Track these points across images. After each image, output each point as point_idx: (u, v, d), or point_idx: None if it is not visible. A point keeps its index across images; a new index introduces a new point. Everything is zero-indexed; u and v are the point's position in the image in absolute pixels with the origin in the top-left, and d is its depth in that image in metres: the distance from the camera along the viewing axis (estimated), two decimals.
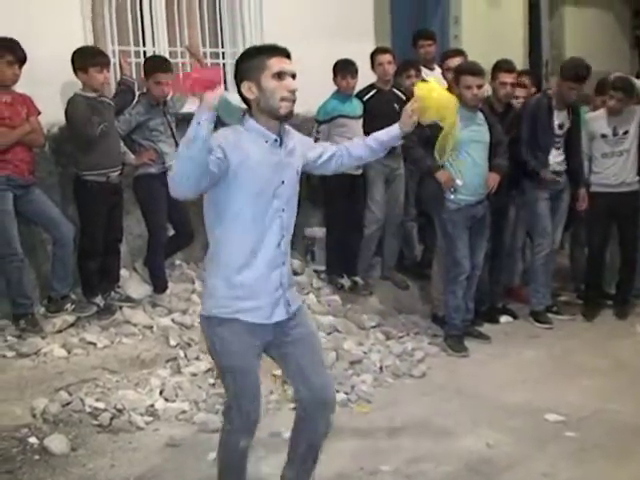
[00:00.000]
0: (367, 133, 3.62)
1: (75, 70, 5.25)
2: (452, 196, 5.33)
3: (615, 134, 6.07)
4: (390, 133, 3.29)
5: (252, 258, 2.94)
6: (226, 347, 2.97)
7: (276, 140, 2.96)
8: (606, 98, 6.09)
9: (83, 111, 5.19)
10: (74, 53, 5.25)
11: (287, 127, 3.05)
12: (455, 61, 6.12)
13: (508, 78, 5.77)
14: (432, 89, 3.30)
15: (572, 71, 5.81)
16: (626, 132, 6.06)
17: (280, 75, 2.88)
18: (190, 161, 2.64)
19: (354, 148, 3.33)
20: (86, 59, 5.23)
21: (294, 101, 2.93)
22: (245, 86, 2.93)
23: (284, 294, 3.02)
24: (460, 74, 5.33)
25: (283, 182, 2.97)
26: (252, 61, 2.92)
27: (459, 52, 6.58)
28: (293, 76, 2.93)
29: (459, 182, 5.29)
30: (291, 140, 3.05)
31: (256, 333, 2.97)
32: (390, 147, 3.41)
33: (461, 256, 5.40)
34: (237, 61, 3.00)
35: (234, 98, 5.82)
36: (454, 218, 5.38)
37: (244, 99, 2.98)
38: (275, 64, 2.89)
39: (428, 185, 5.52)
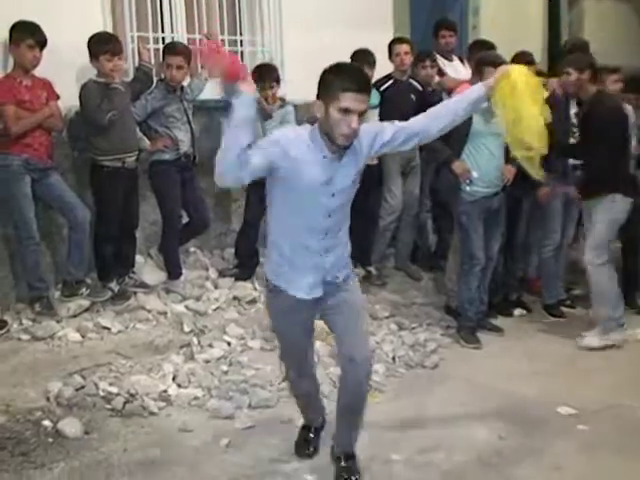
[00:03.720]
0: None
1: (90, 57, 5.27)
2: (468, 188, 5.31)
3: None
4: (478, 96, 3.32)
5: (288, 249, 3.18)
6: (273, 311, 3.41)
7: (334, 153, 3.03)
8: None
9: (94, 98, 5.21)
10: (89, 40, 5.25)
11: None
12: None
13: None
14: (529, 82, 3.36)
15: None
16: None
17: (346, 111, 2.92)
18: (232, 136, 2.79)
19: (437, 122, 3.29)
20: (96, 47, 5.23)
21: (354, 136, 2.99)
22: (317, 103, 3.00)
23: (324, 277, 3.24)
24: (482, 66, 5.25)
25: (333, 195, 3.07)
26: (331, 84, 2.95)
27: (487, 44, 6.42)
28: (361, 113, 2.94)
29: (475, 174, 5.28)
30: (355, 146, 3.08)
31: (299, 306, 3.22)
32: None
33: (476, 248, 5.38)
34: (325, 70, 3.02)
35: None
36: (469, 210, 5.35)
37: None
38: (346, 99, 2.91)
39: (445, 176, 5.51)
